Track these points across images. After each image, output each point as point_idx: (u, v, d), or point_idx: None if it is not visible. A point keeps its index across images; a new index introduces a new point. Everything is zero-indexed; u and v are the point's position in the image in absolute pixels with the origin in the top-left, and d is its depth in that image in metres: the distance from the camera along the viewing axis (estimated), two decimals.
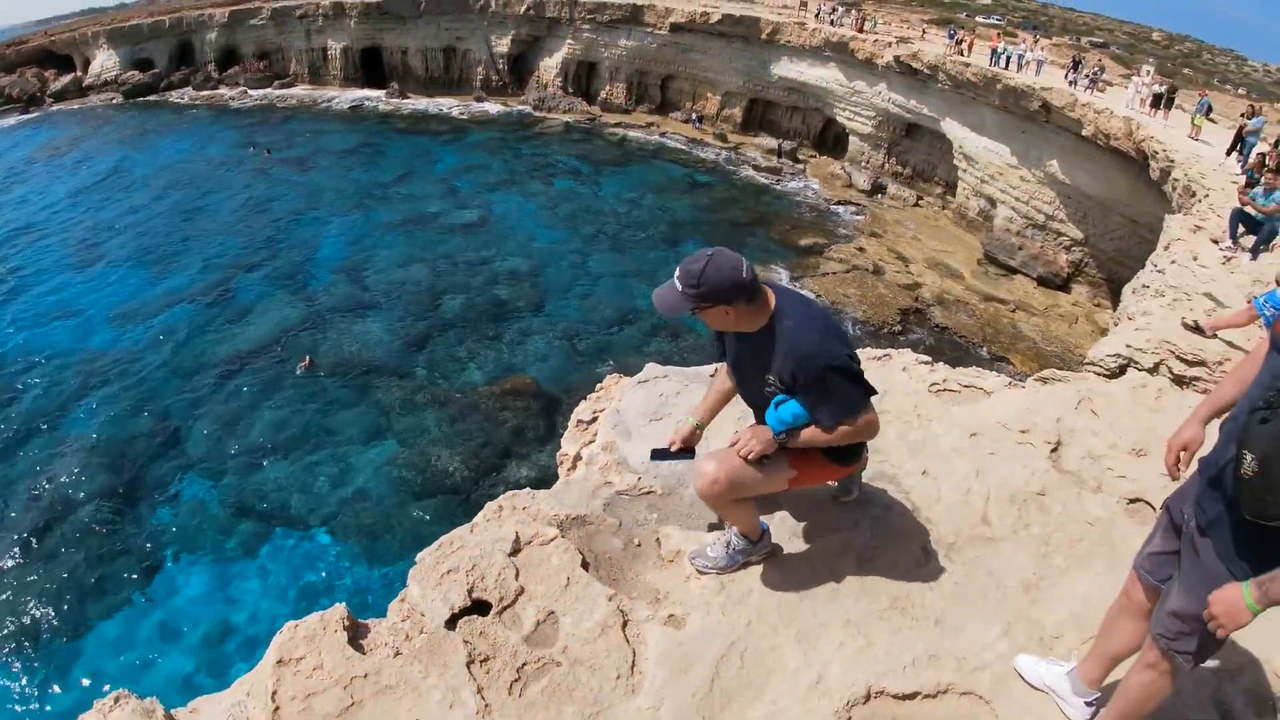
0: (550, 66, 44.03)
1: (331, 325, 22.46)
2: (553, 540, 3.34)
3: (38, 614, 13.75)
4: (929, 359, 4.80)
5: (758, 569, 3.23)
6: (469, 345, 21.15)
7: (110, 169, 40.01)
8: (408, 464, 16.41)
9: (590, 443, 4.23)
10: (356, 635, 2.96)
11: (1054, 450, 4.17)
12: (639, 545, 3.44)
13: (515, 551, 3.28)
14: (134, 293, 25.53)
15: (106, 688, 8.30)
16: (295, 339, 21.72)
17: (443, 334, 21.79)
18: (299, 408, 18.75)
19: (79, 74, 59.59)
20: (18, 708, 12.28)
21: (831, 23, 35.22)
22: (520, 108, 43.27)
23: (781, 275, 23.47)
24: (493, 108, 43.64)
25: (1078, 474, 3.94)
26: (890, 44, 31.32)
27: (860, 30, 33.93)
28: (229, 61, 53.79)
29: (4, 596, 14.16)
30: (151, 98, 53.94)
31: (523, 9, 43.51)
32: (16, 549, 15.18)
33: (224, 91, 51.05)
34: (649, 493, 3.70)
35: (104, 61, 57.85)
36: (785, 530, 3.41)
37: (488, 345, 21.13)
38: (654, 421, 4.15)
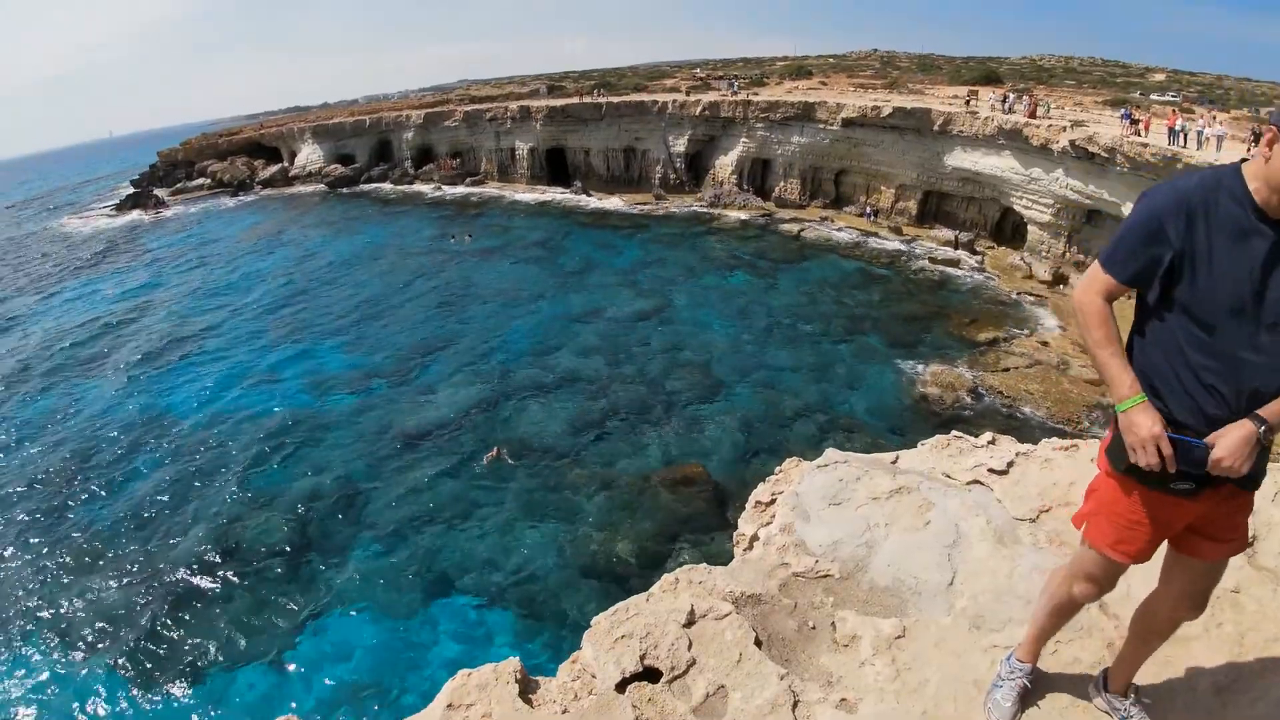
0: (725, 164, 47.72)
1: (512, 406, 24.44)
2: (727, 616, 3.54)
3: (219, 642, 15.74)
4: None
5: (938, 656, 3.36)
6: (642, 432, 22.38)
7: (313, 251, 46.38)
8: (576, 544, 17.50)
9: (768, 524, 4.48)
10: (527, 690, 3.30)
11: (1249, 545, 3.88)
12: (813, 628, 3.61)
13: (689, 623, 3.50)
14: (330, 365, 29.04)
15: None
16: (478, 419, 23.52)
17: (618, 420, 23.22)
18: (474, 483, 20.46)
19: (285, 164, 69.50)
20: (192, 716, 14.09)
21: (1004, 110, 36.33)
22: (697, 205, 46.89)
23: (963, 372, 24.11)
24: (671, 205, 47.51)
25: (1274, 570, 3.82)
26: (1064, 128, 31.93)
27: (1033, 116, 34.76)
28: (424, 159, 61.40)
29: (189, 621, 16.37)
30: (352, 189, 61.93)
31: (699, 110, 48.06)
32: (205, 582, 17.50)
33: (420, 187, 58.41)
34: (826, 576, 3.89)
35: (309, 154, 67.31)
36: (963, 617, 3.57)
37: (661, 432, 22.24)
38: (833, 505, 4.36)
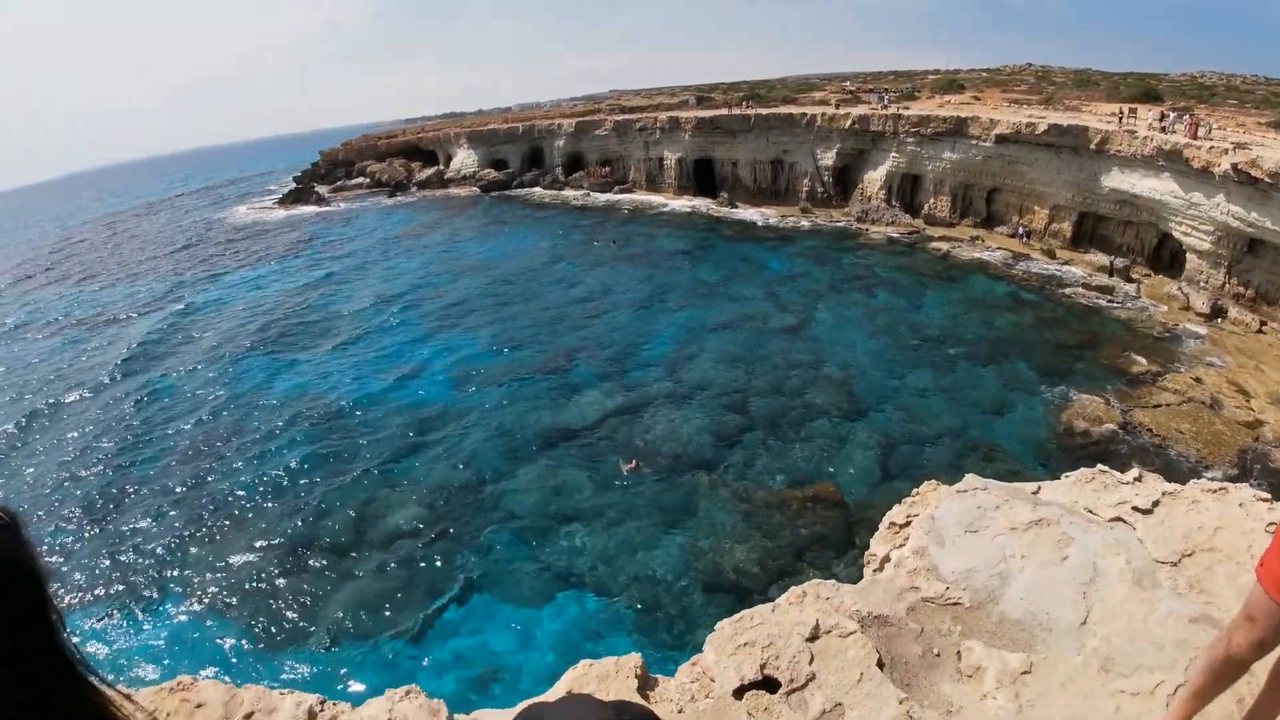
0: (874, 179, 48.26)
1: (649, 411, 25.27)
2: (852, 634, 3.59)
3: (351, 614, 17.02)
4: (1269, 496, 4.51)
5: (1064, 696, 3.37)
6: (777, 446, 22.67)
7: (464, 251, 49.81)
8: (703, 552, 17.96)
9: (901, 546, 4.53)
10: (645, 686, 3.44)
11: None
12: (938, 655, 3.64)
13: (813, 638, 3.56)
14: (476, 360, 30.87)
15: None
16: (615, 423, 24.73)
17: (753, 433, 23.62)
18: (607, 484, 21.30)
19: (441, 167, 74.19)
20: (320, 679, 15.14)
21: (1163, 130, 34.81)
22: (844, 220, 47.68)
23: (1112, 404, 23.83)
24: (817, 219, 48.56)
25: None
26: (1226, 150, 30.39)
27: (1194, 137, 33.12)
28: (575, 166, 64.64)
29: (324, 592, 17.88)
30: (504, 193, 65.84)
31: (848, 124, 48.72)
32: (341, 556, 19.05)
33: (569, 193, 61.70)
34: (955, 604, 3.91)
35: (464, 159, 71.55)
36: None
37: (795, 448, 22.50)
38: (969, 533, 4.36)
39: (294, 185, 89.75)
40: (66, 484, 24.40)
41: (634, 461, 22.14)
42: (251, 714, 3.63)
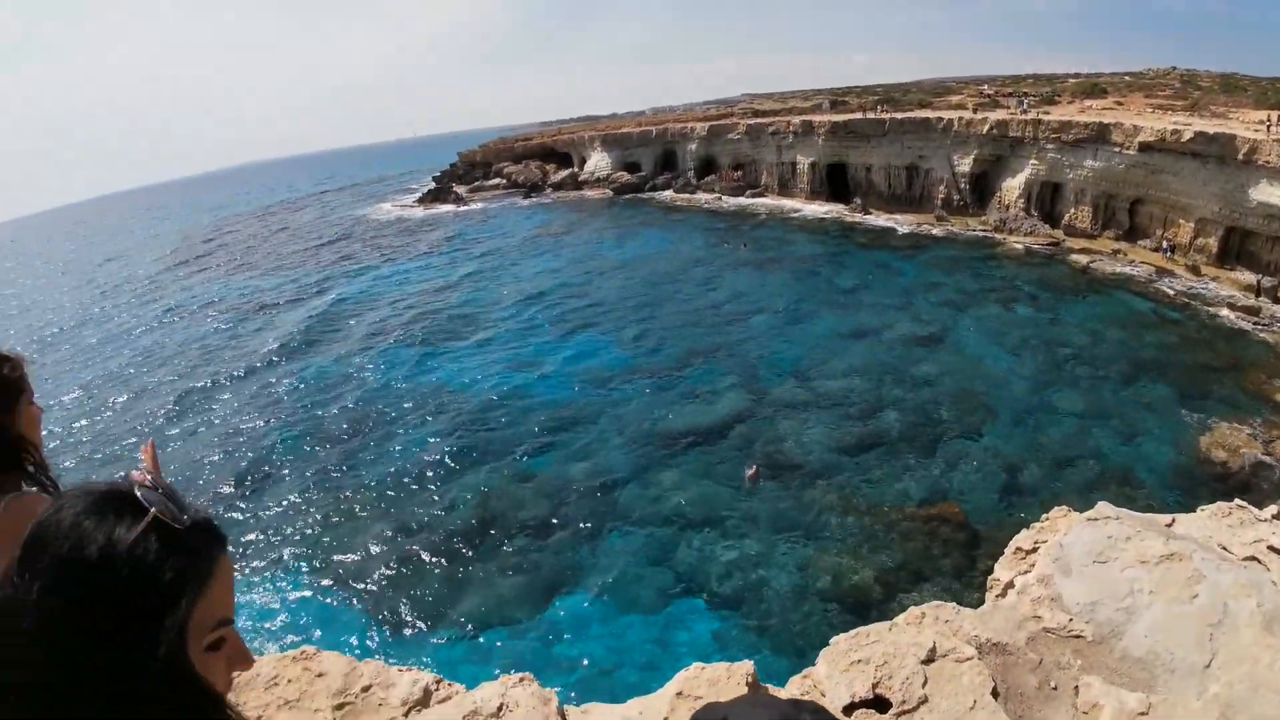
0: (1013, 187, 47.48)
1: (774, 419, 25.36)
2: (968, 660, 3.60)
3: (468, 601, 17.79)
4: None
5: None
6: (902, 461, 22.49)
7: (597, 252, 51.74)
8: (820, 565, 17.97)
9: (1025, 572, 4.44)
10: (755, 694, 3.45)
11: None
12: (1055, 688, 3.65)
13: (929, 660, 3.59)
14: (605, 360, 31.93)
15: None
16: (739, 429, 24.89)
17: (878, 446, 23.46)
18: (727, 490, 21.50)
19: (575, 170, 77.01)
20: (436, 661, 15.85)
21: None
22: (980, 229, 47.06)
23: (1254, 434, 22.97)
24: (953, 227, 48.13)
25: None
26: None
27: None
28: (707, 169, 65.94)
29: (444, 577, 18.72)
30: (636, 196, 67.94)
31: (985, 128, 48.09)
32: (464, 545, 19.86)
33: (701, 196, 63.11)
34: (1077, 636, 3.88)
35: (597, 161, 74.09)
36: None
37: (920, 464, 22.27)
38: (1097, 563, 4.28)
39: (433, 185, 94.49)
40: (218, 458, 26.98)
41: (755, 468, 22.28)
42: (370, 687, 3.90)
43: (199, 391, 33.97)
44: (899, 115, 54.56)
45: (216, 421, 30.54)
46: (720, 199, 61.55)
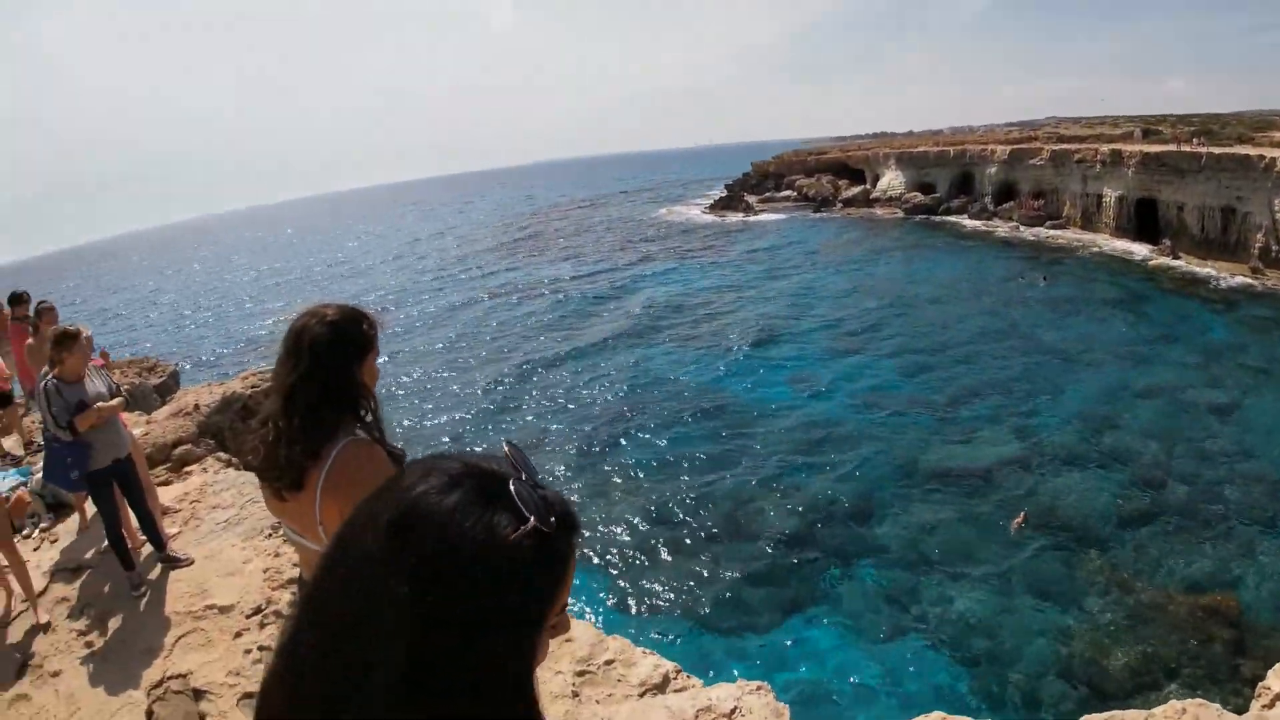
0: None
1: (1047, 470, 24.39)
2: None
3: (710, 603, 18.15)
4: None
5: None
6: (1181, 539, 21.04)
7: (882, 273, 52.53)
8: (1070, 636, 17.06)
9: None
10: None
11: None
12: None
13: None
14: (878, 384, 32.25)
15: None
16: (1007, 474, 24.05)
17: (1157, 517, 22.00)
18: (986, 538, 21.07)
19: (867, 187, 78.26)
20: (668, 653, 18.20)
21: None
22: None
23: None
24: (1271, 282, 43.91)
25: None
26: None
27: None
28: (1005, 196, 64.61)
29: (694, 577, 19.07)
30: (928, 218, 68.14)
31: None
32: (716, 549, 20.28)
33: (996, 224, 62.19)
34: None
35: (890, 179, 74.85)
36: None
37: (1201, 547, 20.68)
38: None
39: (724, 193, 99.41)
40: (500, 426, 30.11)
41: (1023, 515, 21.50)
42: (613, 662, 3.99)
43: (504, 367, 38.63)
44: (1216, 150, 50.80)
45: (505, 393, 34.73)
46: (1017, 228, 60.33)
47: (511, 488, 1.04)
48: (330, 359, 2.64)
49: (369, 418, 2.74)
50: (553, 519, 1.04)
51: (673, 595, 18.86)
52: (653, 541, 21.03)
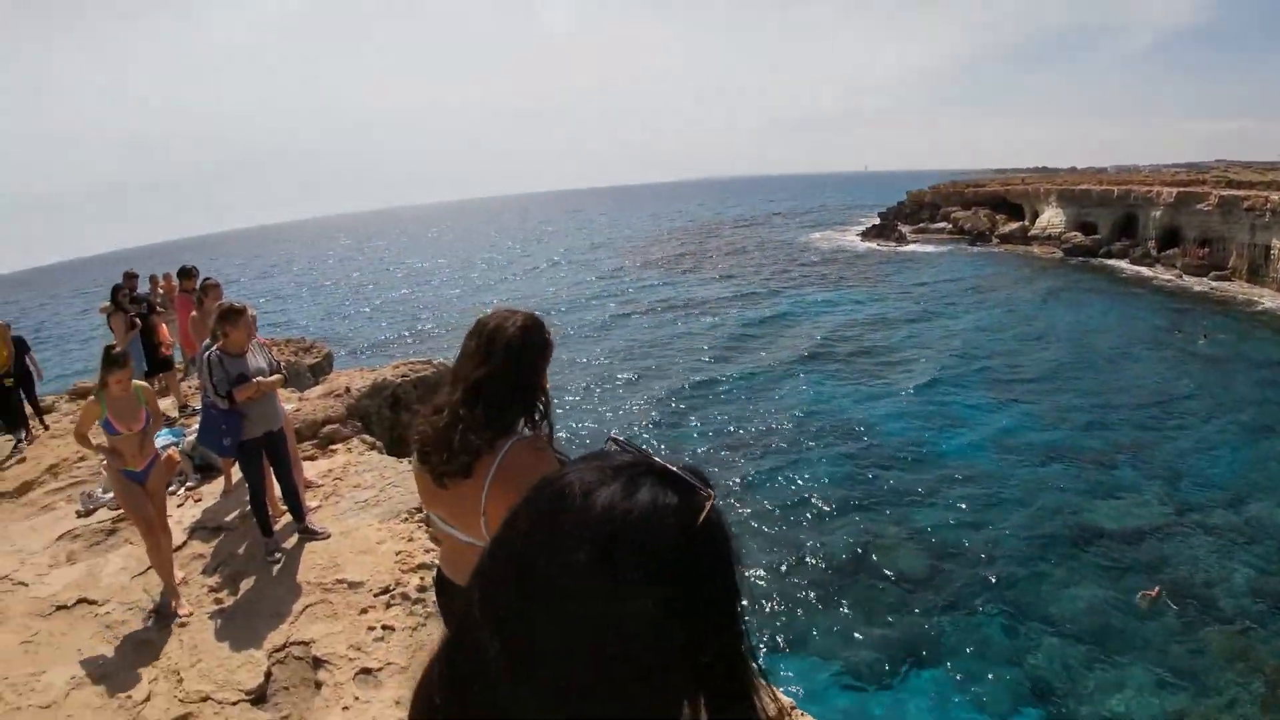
0: None
1: (1191, 541, 23.60)
2: None
3: (833, 635, 18.54)
4: None
5: None
6: None
7: (1034, 313, 52.32)
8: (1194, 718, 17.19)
9: None
10: None
11: None
12: None
13: None
14: (1020, 430, 32.01)
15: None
16: (1148, 542, 23.31)
17: None
18: (1116, 606, 20.27)
19: (1025, 223, 77.67)
20: (791, 684, 16.04)
21: None
22: None
23: None
24: None
25: None
26: None
27: None
28: (1170, 241, 62.66)
29: (815, 607, 19.39)
30: (1086, 260, 67.07)
31: None
32: (841, 580, 20.46)
33: (1158, 271, 60.90)
34: None
35: (1050, 217, 74.04)
36: None
37: None
38: None
39: (877, 221, 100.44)
40: (646, 440, 30.73)
41: (1157, 590, 20.52)
42: None
43: (656, 385, 40.12)
44: None
45: (653, 409, 36.39)
46: (1180, 276, 58.83)
47: (677, 470, 1.01)
48: (522, 360, 2.85)
49: (542, 420, 2.92)
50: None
51: (791, 627, 19.06)
52: (778, 570, 21.32)
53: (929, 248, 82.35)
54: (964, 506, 25.40)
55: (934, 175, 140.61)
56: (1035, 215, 78.07)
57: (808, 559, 21.93)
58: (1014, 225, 79.38)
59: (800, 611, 19.62)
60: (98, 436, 7.11)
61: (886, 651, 18.17)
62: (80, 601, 7.54)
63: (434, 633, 6.20)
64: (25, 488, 11.07)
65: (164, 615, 7.07)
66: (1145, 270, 62.63)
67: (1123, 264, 65.15)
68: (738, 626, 1.01)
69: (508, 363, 2.83)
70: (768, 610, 19.51)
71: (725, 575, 0.99)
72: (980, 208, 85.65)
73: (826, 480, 27.34)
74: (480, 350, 2.86)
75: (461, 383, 2.85)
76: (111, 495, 9.59)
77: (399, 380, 14.17)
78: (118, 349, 7.28)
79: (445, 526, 2.99)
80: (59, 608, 7.47)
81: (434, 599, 3.64)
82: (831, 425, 33.49)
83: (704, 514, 0.97)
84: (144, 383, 7.87)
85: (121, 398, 7.08)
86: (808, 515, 24.67)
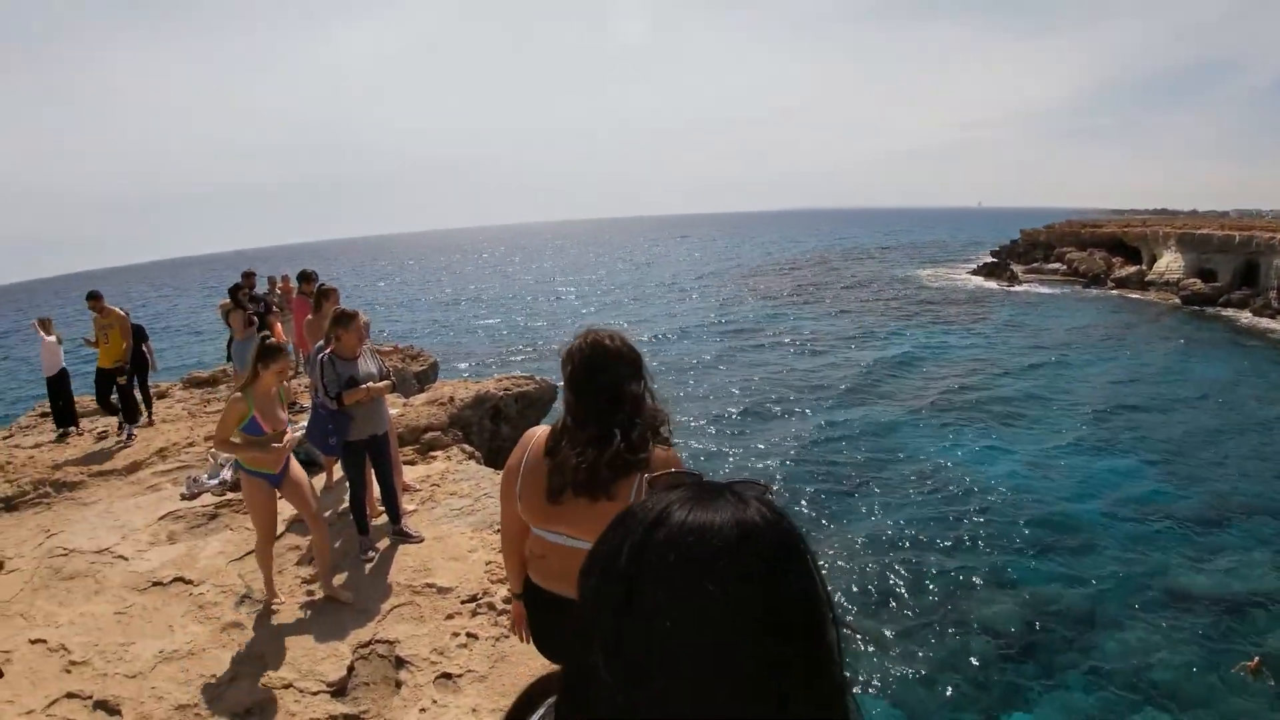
0: None
1: None
2: None
3: (906, 683, 18.63)
4: None
5: None
6: None
7: (1148, 364, 51.31)
8: None
9: None
10: None
11: None
12: None
13: None
14: (1127, 485, 31.04)
15: None
16: (1257, 611, 22.19)
17: None
18: (1215, 672, 19.55)
19: (1143, 267, 75.84)
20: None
21: None
22: None
23: None
24: None
25: None
26: None
27: None
28: None
29: (896, 654, 21.68)
30: (1205, 309, 65.27)
31: None
32: (926, 626, 20.93)
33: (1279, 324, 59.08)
34: None
35: (1168, 262, 72.15)
36: None
37: None
38: None
39: (990, 259, 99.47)
40: (745, 468, 31.59)
41: (1257, 660, 20.14)
42: None
43: (753, 414, 41.04)
44: None
45: (748, 440, 36.81)
46: None
47: (742, 489, 1.07)
48: (628, 381, 2.91)
49: (668, 435, 2.92)
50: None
51: (866, 664, 19.59)
52: (868, 606, 22.13)
53: (1042, 289, 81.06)
54: (1059, 556, 25.36)
55: (1048, 213, 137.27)
56: (1153, 259, 76.01)
57: (884, 597, 22.59)
58: (1131, 269, 77.26)
59: (874, 651, 20.04)
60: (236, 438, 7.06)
61: (965, 703, 18.36)
62: (176, 580, 7.97)
63: (516, 645, 6.37)
64: (134, 467, 11.59)
65: (256, 602, 7.39)
66: (1266, 321, 60.77)
67: (1241, 314, 63.30)
68: (829, 629, 1.03)
69: (620, 384, 2.94)
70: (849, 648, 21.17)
71: (812, 582, 1.01)
72: (1097, 249, 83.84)
73: (919, 526, 27.20)
74: (591, 377, 2.97)
75: (593, 419, 2.95)
76: (216, 481, 10.27)
77: (501, 394, 14.49)
78: (271, 340, 7.22)
79: (568, 541, 3.07)
80: (155, 584, 7.91)
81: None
82: (932, 465, 33.18)
83: (783, 522, 1.02)
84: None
85: (271, 394, 7.04)
86: (888, 553, 25.07)
